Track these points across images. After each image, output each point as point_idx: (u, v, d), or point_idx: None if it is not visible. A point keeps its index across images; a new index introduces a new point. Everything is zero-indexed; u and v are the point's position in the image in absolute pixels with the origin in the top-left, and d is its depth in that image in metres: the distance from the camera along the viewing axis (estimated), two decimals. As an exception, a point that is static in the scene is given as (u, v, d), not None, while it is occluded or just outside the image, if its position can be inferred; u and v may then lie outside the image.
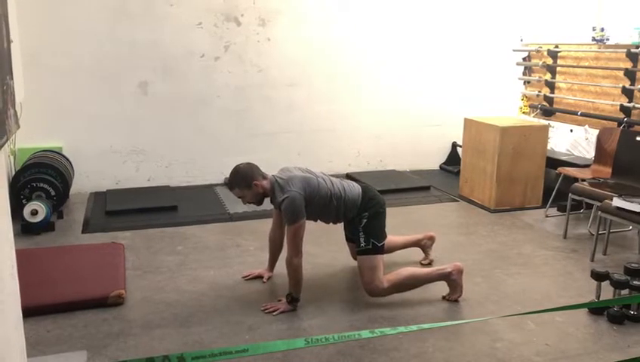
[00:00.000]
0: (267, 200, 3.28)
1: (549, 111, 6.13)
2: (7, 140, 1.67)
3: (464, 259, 3.76)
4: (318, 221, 3.40)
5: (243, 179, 3.18)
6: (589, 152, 5.37)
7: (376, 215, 3.29)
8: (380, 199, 3.37)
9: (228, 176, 3.28)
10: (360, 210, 3.29)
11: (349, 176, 6.04)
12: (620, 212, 3.72)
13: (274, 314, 3.11)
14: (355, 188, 3.35)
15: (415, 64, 6.35)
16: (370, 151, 6.40)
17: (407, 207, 5.17)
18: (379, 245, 3.26)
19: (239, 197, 3.26)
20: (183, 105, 5.65)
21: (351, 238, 3.51)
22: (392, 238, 3.67)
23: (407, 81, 6.35)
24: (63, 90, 5.25)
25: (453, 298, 3.30)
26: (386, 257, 3.37)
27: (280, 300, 3.21)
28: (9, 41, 1.77)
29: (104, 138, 5.47)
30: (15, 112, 1.83)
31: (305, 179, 3.19)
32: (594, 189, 4.23)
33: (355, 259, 3.45)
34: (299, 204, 3.09)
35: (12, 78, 1.80)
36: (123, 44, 5.36)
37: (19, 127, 1.89)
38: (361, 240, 3.26)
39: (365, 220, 3.27)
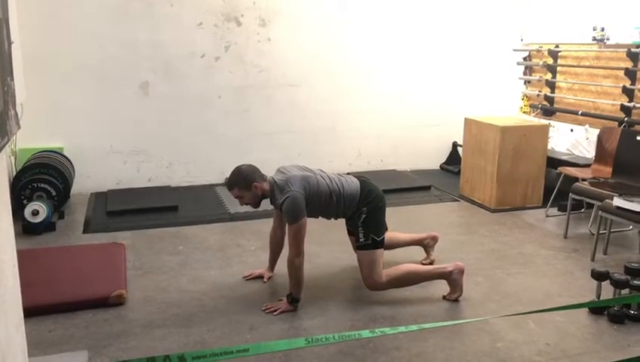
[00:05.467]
0: (266, 201, 3.28)
1: (549, 110, 6.13)
2: (8, 141, 1.68)
3: (465, 259, 3.77)
4: (320, 218, 3.40)
5: (244, 179, 3.18)
6: (589, 152, 5.37)
7: (375, 210, 3.29)
8: (379, 193, 3.36)
9: (229, 176, 3.28)
10: (359, 205, 3.28)
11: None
12: (621, 211, 3.72)
13: (275, 314, 3.11)
14: (352, 183, 3.34)
15: (415, 64, 6.35)
16: (371, 151, 6.40)
17: (408, 207, 5.17)
18: (378, 240, 3.26)
19: (237, 198, 3.25)
20: (183, 106, 5.66)
21: (352, 231, 3.51)
22: (395, 234, 3.70)
23: (407, 81, 6.36)
24: (64, 91, 5.26)
25: (453, 297, 3.30)
26: (386, 255, 3.37)
27: (281, 300, 3.21)
28: (10, 43, 1.77)
29: (105, 138, 5.48)
30: (16, 113, 1.83)
31: (304, 177, 3.20)
32: (594, 189, 4.23)
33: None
34: (300, 203, 3.09)
35: (13, 79, 1.80)
36: (124, 44, 5.37)
37: (19, 127, 1.89)
38: (361, 235, 3.26)
39: (364, 215, 3.26)
